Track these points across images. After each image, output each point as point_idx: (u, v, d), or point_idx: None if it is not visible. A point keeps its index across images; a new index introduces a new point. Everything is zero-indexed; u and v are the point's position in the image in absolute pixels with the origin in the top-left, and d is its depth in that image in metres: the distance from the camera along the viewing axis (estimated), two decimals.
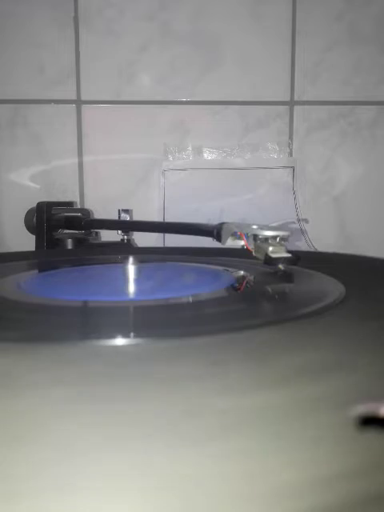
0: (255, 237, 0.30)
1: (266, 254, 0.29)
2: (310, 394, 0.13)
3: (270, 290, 0.28)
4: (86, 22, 0.60)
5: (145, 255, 0.42)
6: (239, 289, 0.29)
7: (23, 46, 0.60)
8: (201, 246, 0.43)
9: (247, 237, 0.31)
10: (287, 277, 0.29)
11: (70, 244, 0.52)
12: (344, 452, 0.10)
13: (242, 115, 0.62)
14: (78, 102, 0.61)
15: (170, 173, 0.62)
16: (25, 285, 0.29)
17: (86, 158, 0.62)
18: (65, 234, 0.54)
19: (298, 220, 0.61)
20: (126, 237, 0.52)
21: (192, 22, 0.61)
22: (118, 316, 0.22)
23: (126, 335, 0.18)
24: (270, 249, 0.29)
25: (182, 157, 0.62)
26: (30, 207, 0.57)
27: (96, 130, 0.62)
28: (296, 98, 0.62)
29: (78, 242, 0.53)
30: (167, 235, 0.59)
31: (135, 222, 0.57)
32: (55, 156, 0.62)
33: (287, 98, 0.62)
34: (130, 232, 0.53)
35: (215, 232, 0.34)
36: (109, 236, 0.56)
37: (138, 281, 0.28)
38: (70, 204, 0.56)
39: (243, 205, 0.61)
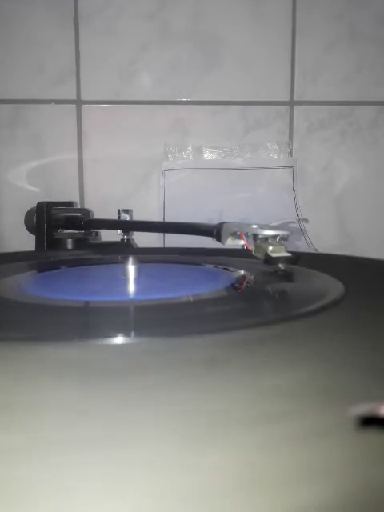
0: (255, 236, 0.30)
1: (266, 254, 0.29)
2: (310, 393, 0.13)
3: (270, 289, 0.28)
4: (86, 21, 0.60)
5: (145, 255, 0.42)
6: (239, 288, 0.29)
7: (23, 45, 0.60)
8: (201, 246, 0.43)
9: (247, 236, 0.31)
10: (287, 276, 0.29)
11: (70, 244, 0.52)
12: (344, 452, 0.10)
13: (242, 115, 0.62)
14: (78, 102, 0.61)
15: (170, 173, 0.62)
16: (25, 285, 0.29)
17: (86, 158, 0.62)
18: (65, 234, 0.54)
19: (298, 220, 0.61)
20: (125, 237, 0.51)
21: (192, 22, 0.61)
22: (118, 316, 0.22)
23: (126, 334, 0.18)
24: (270, 248, 0.29)
25: (181, 157, 0.62)
26: (29, 207, 0.57)
27: (96, 130, 0.62)
28: (296, 98, 0.62)
29: (78, 241, 0.53)
30: (167, 235, 0.59)
31: (135, 221, 0.57)
32: (55, 156, 0.62)
33: (287, 98, 0.62)
34: (130, 232, 0.53)
35: (215, 232, 0.34)
36: (109, 236, 0.56)
37: (137, 281, 0.28)
38: (70, 204, 0.56)
39: (243, 205, 0.61)
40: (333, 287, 0.26)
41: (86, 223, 0.52)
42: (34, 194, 0.61)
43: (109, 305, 0.24)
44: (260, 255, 0.30)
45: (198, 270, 0.34)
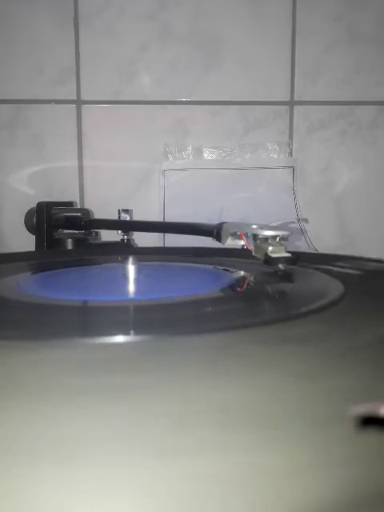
0: (255, 237, 0.30)
1: (266, 254, 0.29)
2: (310, 394, 0.13)
3: (269, 289, 0.28)
4: (86, 22, 0.60)
5: (145, 255, 0.42)
6: (239, 288, 0.29)
7: (23, 46, 0.60)
8: (201, 246, 0.43)
9: (247, 237, 0.31)
10: (287, 276, 0.29)
11: (70, 244, 0.52)
12: (344, 452, 0.10)
13: (242, 115, 0.62)
14: (78, 102, 0.61)
15: (170, 173, 0.62)
16: (25, 285, 0.29)
17: (86, 158, 0.62)
18: (65, 234, 0.54)
19: (298, 220, 0.61)
20: (126, 237, 0.52)
21: (192, 22, 0.61)
22: (118, 315, 0.22)
23: (126, 334, 0.18)
24: (270, 249, 0.29)
25: (181, 157, 0.62)
26: (29, 207, 0.57)
27: (96, 130, 0.62)
28: (296, 98, 0.62)
29: (78, 242, 0.53)
30: (167, 235, 0.59)
31: (135, 221, 0.57)
32: (55, 156, 0.62)
33: (287, 98, 0.62)
34: (130, 232, 0.53)
35: (215, 232, 0.34)
36: (109, 236, 0.56)
37: (137, 280, 0.28)
38: (69, 204, 0.56)
39: (243, 205, 0.61)
40: (332, 287, 0.26)
41: (86, 223, 0.52)
42: (33, 194, 0.61)
43: (109, 304, 0.24)
44: (260, 255, 0.30)
45: (198, 270, 0.34)
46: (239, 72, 0.62)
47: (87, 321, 0.23)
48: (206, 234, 0.35)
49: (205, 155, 0.62)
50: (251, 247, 0.30)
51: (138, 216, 0.59)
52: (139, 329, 0.20)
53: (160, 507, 0.09)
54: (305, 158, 0.63)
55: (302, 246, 0.58)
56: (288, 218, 0.38)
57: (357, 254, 0.41)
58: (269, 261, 0.29)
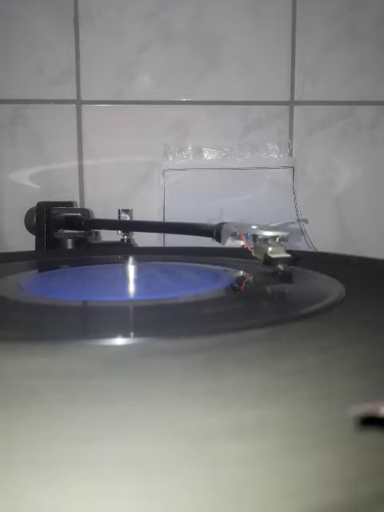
0: (255, 237, 0.30)
1: (266, 255, 0.29)
2: (310, 395, 0.13)
3: (269, 290, 0.28)
4: (86, 22, 0.60)
5: (144, 255, 0.42)
6: (239, 289, 0.29)
7: (23, 46, 0.60)
8: (201, 246, 0.43)
9: (247, 237, 0.31)
10: (287, 277, 0.29)
11: (70, 244, 0.52)
12: (344, 453, 0.10)
13: (242, 115, 0.62)
14: (78, 102, 0.61)
15: (170, 173, 0.62)
16: (25, 285, 0.29)
17: (86, 158, 0.62)
18: (65, 234, 0.54)
19: (298, 220, 0.61)
20: (125, 237, 0.52)
21: (192, 22, 0.61)
22: (118, 316, 0.22)
23: (125, 335, 0.18)
24: (270, 249, 0.29)
25: (181, 157, 0.62)
26: (30, 207, 0.57)
27: (96, 130, 0.62)
28: (296, 98, 0.62)
29: (78, 241, 0.53)
30: (167, 235, 0.59)
31: (135, 222, 0.57)
32: (55, 156, 0.62)
33: (287, 98, 0.62)
34: (130, 232, 0.53)
35: (215, 232, 0.34)
36: (109, 236, 0.56)
37: (137, 281, 0.28)
38: (70, 204, 0.56)
39: (243, 205, 0.61)
40: (333, 288, 0.26)
41: (86, 223, 0.52)
42: (34, 193, 0.61)
43: (108, 305, 0.24)
44: (260, 256, 0.30)
45: (197, 270, 0.34)
46: (239, 72, 0.62)
47: (87, 321, 0.23)
48: (205, 235, 0.35)
49: (205, 155, 0.62)
50: (251, 247, 0.30)
51: (138, 216, 0.59)
52: (139, 329, 0.20)
53: (160, 509, 0.09)
54: (305, 158, 0.63)
55: (301, 247, 0.58)
56: (288, 219, 0.38)
57: (357, 254, 0.41)
58: (268, 261, 0.29)
